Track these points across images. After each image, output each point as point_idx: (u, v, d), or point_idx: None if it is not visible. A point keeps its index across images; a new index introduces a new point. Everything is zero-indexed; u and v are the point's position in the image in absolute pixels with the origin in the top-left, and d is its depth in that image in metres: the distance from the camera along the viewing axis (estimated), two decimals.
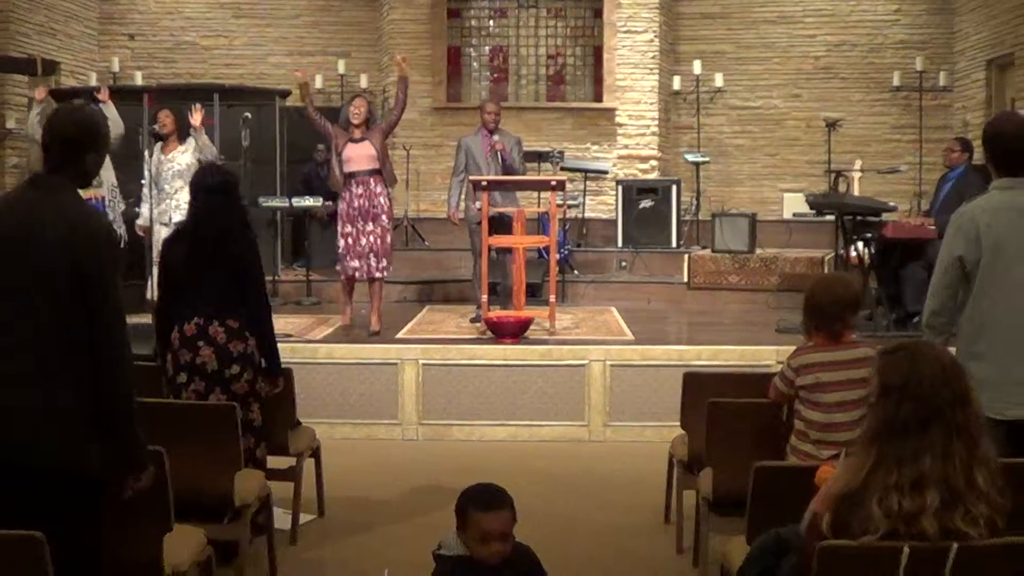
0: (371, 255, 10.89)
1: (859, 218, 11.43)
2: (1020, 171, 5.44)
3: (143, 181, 11.44)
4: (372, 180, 10.86)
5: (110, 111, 11.16)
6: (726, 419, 6.05)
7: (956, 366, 3.80)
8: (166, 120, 11.21)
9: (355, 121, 10.87)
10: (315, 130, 11.45)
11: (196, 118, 11.22)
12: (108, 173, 11.28)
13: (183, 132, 11.30)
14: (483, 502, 4.22)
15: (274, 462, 7.06)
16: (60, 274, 4.15)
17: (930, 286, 5.63)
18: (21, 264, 4.18)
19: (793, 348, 5.98)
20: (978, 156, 9.52)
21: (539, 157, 15.12)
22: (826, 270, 13.45)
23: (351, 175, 10.87)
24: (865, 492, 3.63)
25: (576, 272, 14.57)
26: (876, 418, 3.74)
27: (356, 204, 10.86)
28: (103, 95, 11.44)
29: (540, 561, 4.35)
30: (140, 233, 11.43)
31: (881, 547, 3.58)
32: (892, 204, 12.17)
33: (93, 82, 17.01)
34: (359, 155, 10.85)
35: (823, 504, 3.78)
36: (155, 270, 10.86)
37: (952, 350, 5.47)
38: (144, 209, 11.30)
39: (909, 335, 9.51)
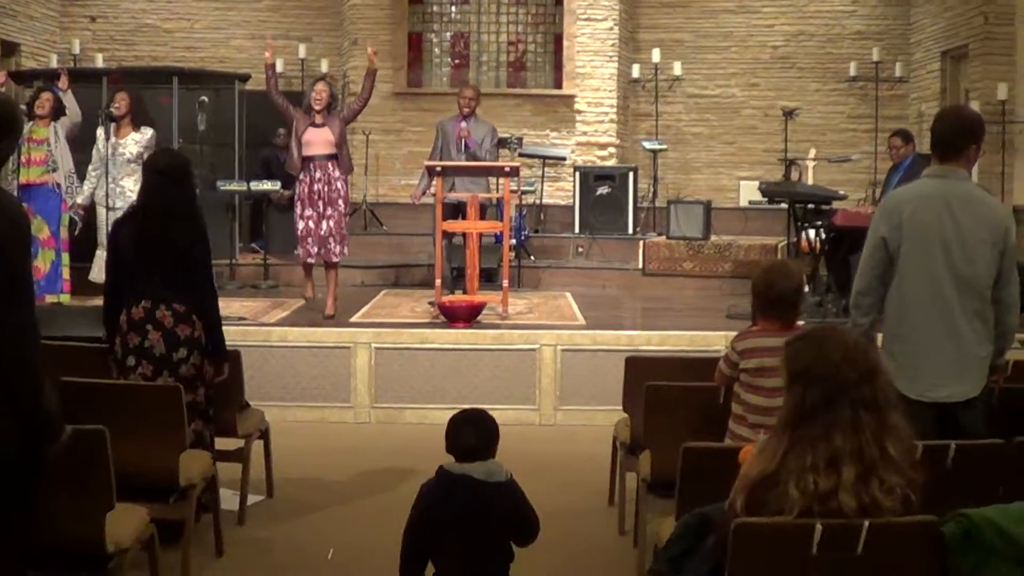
0: (330, 239, 10.99)
1: (810, 206, 11.58)
2: (949, 158, 5.56)
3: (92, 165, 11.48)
4: (330, 165, 10.94)
5: (68, 100, 11.22)
6: (664, 402, 6.15)
7: (860, 346, 3.90)
8: (121, 103, 11.14)
9: (316, 107, 10.94)
10: (277, 112, 11.46)
11: (63, 82, 11.42)
12: (66, 159, 11.31)
13: (138, 117, 11.25)
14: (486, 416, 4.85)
15: (223, 444, 7.13)
16: None
17: (858, 267, 5.74)
18: None
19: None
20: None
21: (499, 143, 15.22)
22: (779, 256, 13.59)
23: (310, 159, 10.93)
24: (780, 475, 3.75)
25: (533, 258, 14.68)
26: (787, 405, 3.88)
27: (315, 188, 10.94)
28: (63, 83, 11.46)
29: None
30: (80, 212, 11.39)
31: (795, 524, 3.69)
32: (842, 192, 12.29)
33: (54, 63, 17.03)
34: (318, 140, 10.92)
35: (737, 491, 3.90)
36: (99, 252, 10.97)
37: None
38: (86, 187, 11.29)
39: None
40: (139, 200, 6.99)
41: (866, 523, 3.67)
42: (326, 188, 10.94)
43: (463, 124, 12.12)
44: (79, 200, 11.29)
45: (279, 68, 16.85)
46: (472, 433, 4.75)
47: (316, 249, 11.02)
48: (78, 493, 4.75)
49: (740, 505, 3.82)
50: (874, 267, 5.59)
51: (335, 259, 11.11)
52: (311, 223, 10.99)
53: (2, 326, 4.18)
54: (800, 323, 5.94)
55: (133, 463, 5.23)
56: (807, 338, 3.97)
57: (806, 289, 6.14)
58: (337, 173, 10.98)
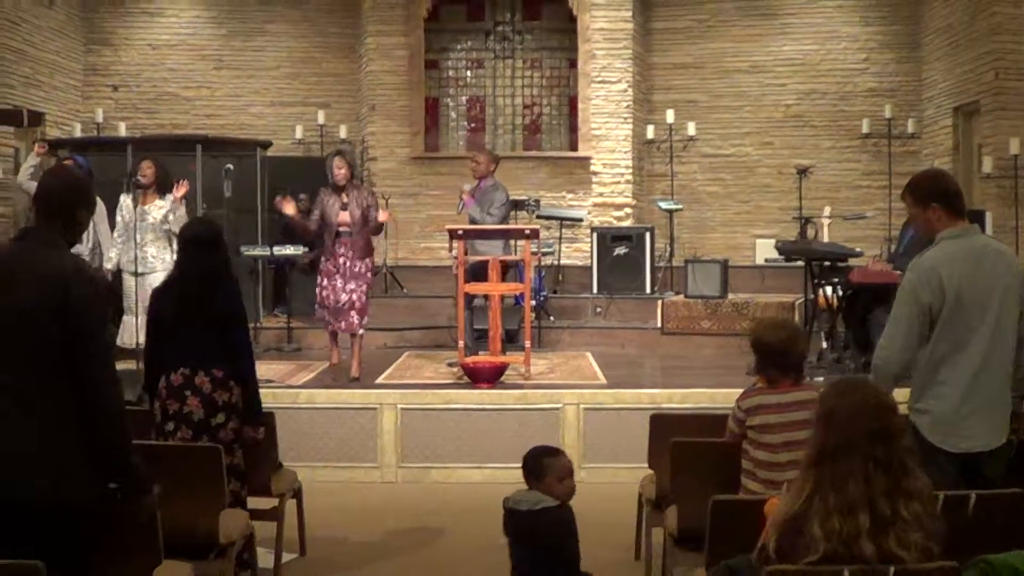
0: (352, 312, 11.06)
1: (827, 264, 11.70)
2: (962, 215, 5.75)
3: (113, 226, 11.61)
4: (355, 240, 11.02)
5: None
6: (690, 458, 6.28)
7: (884, 407, 4.05)
8: (147, 171, 11.10)
9: (339, 183, 11.04)
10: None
11: (180, 191, 11.26)
12: (102, 227, 11.50)
13: (163, 185, 11.19)
14: (550, 451, 5.64)
15: (257, 503, 7.27)
16: (43, 319, 4.42)
17: (892, 334, 5.75)
18: (4, 309, 4.45)
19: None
20: None
21: (516, 205, 15.36)
22: (796, 315, 13.72)
23: (337, 234, 11.02)
24: (806, 514, 3.90)
25: (552, 318, 14.82)
26: (811, 443, 4.06)
27: (338, 263, 11.04)
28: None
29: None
30: (108, 278, 11.46)
31: (824, 571, 3.83)
32: (858, 250, 12.40)
33: (77, 132, 17.33)
34: (345, 217, 11.01)
35: (769, 529, 4.05)
36: (125, 318, 11.08)
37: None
38: (112, 254, 11.34)
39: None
40: (176, 269, 7.18)
41: (891, 569, 3.81)
42: (349, 263, 11.03)
43: (466, 187, 12.42)
44: (107, 266, 11.40)
45: (298, 135, 17.27)
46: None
47: (334, 319, 11.14)
48: (128, 549, 4.89)
49: (772, 546, 3.97)
50: (918, 334, 5.65)
51: (356, 331, 11.19)
52: (329, 295, 11.08)
53: (93, 385, 4.46)
54: (818, 379, 6.07)
55: (175, 521, 5.35)
56: (840, 384, 4.16)
57: (816, 344, 6.23)
58: (362, 247, 11.08)
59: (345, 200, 11.03)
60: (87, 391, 4.46)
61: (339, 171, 11.05)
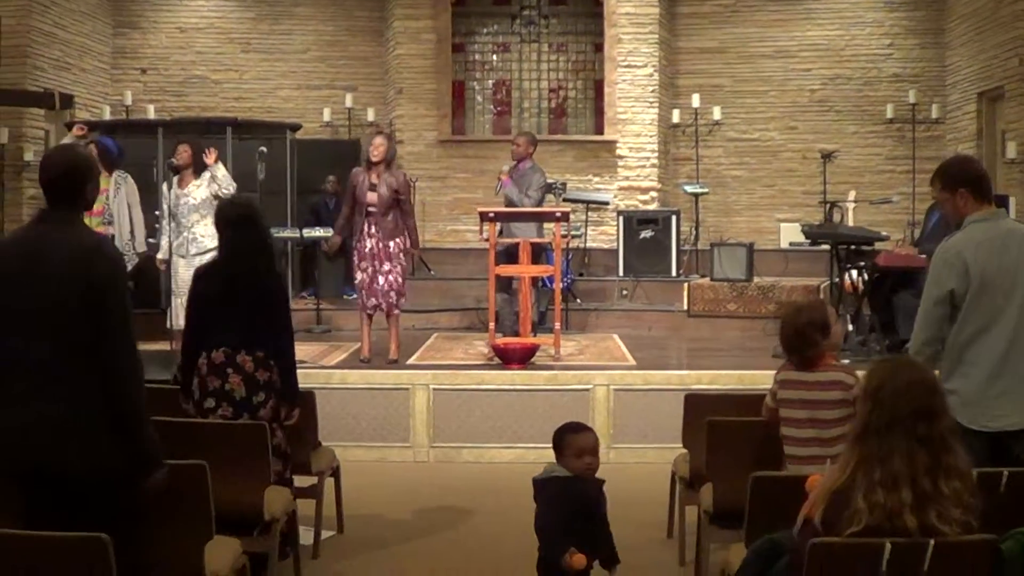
0: (390, 293, 11.06)
1: (853, 247, 11.75)
2: (989, 200, 5.86)
3: (157, 212, 11.73)
4: (386, 220, 10.92)
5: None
6: (725, 437, 6.37)
7: (926, 384, 4.16)
8: (184, 153, 11.25)
9: (374, 158, 10.94)
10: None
11: (211, 156, 11.34)
12: (122, 214, 11.66)
13: (198, 166, 11.37)
14: (573, 428, 5.73)
15: (296, 481, 7.36)
16: (71, 296, 4.57)
17: (919, 318, 5.89)
18: (33, 291, 4.59)
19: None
20: None
21: (545, 189, 15.44)
22: (822, 297, 13.80)
23: (368, 214, 10.97)
24: (851, 487, 4.03)
25: (579, 300, 14.94)
26: (857, 418, 4.19)
27: (369, 243, 10.99)
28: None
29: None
30: (160, 267, 11.63)
31: (866, 543, 3.95)
32: (884, 234, 12.44)
33: (107, 115, 17.47)
34: (375, 196, 10.92)
35: (815, 500, 4.17)
36: (174, 300, 11.18)
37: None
38: (163, 241, 11.50)
39: None
40: (219, 252, 7.27)
41: (931, 542, 3.93)
42: (381, 244, 10.97)
43: (504, 167, 12.50)
44: (159, 256, 11.52)
45: (326, 117, 17.41)
46: None
47: (375, 302, 11.09)
48: (180, 525, 5.02)
49: (819, 516, 4.09)
50: (941, 318, 5.77)
51: (395, 312, 11.20)
52: (366, 278, 11.05)
53: (112, 358, 4.62)
54: (844, 361, 6.13)
55: (221, 497, 5.45)
56: (888, 362, 4.29)
57: (839, 326, 6.30)
58: (393, 227, 10.98)
59: (374, 180, 10.99)
60: (107, 363, 4.60)
61: (378, 148, 10.98)
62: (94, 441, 4.59)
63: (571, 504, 5.49)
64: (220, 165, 11.31)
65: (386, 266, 11.03)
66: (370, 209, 10.97)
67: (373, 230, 10.99)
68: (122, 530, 4.47)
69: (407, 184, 11.48)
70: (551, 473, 5.58)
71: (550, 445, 5.75)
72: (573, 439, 5.61)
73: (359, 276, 11.15)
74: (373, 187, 10.98)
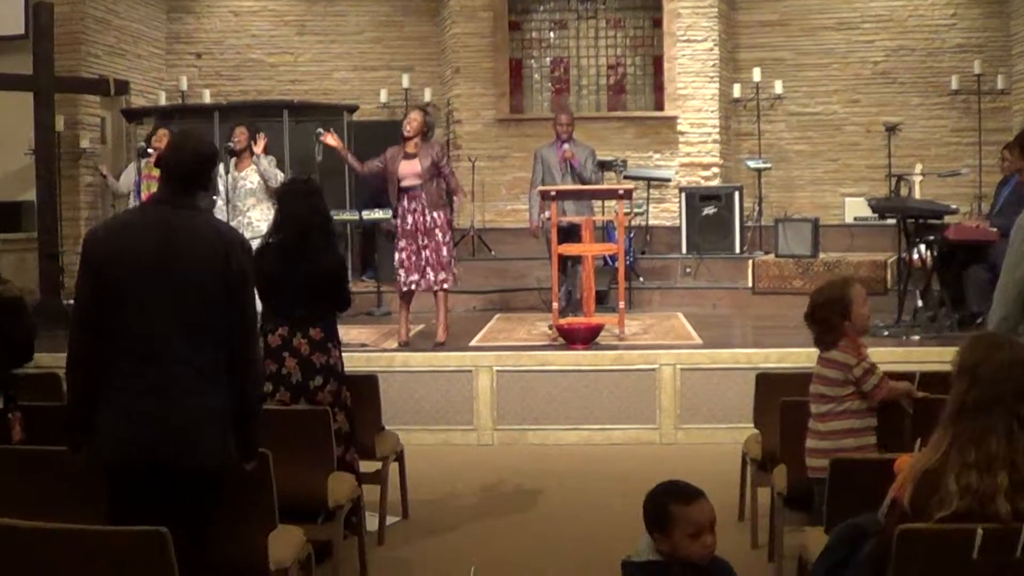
0: (428, 269, 10.74)
1: (921, 221, 11.54)
2: None
3: (215, 197, 11.67)
4: (424, 194, 10.62)
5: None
6: (799, 418, 6.21)
7: None
8: (241, 136, 11.31)
9: (407, 134, 10.65)
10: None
11: (259, 145, 11.30)
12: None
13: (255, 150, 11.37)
14: (684, 495, 3.97)
15: (361, 466, 7.30)
16: (208, 285, 4.58)
17: (998, 294, 5.61)
18: (171, 278, 4.57)
19: None
20: None
21: (602, 166, 15.25)
22: (888, 273, 13.61)
23: (405, 190, 10.69)
24: (944, 468, 3.86)
25: (641, 279, 14.79)
26: (952, 397, 4.00)
27: (409, 220, 10.71)
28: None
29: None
30: None
31: (957, 529, 3.79)
32: (954, 207, 12.23)
33: (162, 100, 17.43)
34: (410, 171, 10.63)
35: (904, 480, 4.00)
36: None
37: None
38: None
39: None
40: (273, 227, 7.17)
41: None
42: (420, 218, 10.67)
43: (565, 147, 12.27)
44: None
45: (383, 99, 17.26)
46: None
47: (416, 278, 10.78)
48: (243, 514, 4.92)
49: (908, 497, 3.92)
50: (1022, 295, 5.47)
51: (437, 288, 10.86)
52: (405, 254, 10.78)
53: (245, 354, 4.73)
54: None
55: (284, 485, 5.37)
56: (983, 338, 4.10)
57: (867, 309, 6.22)
58: (432, 201, 10.67)
59: (411, 151, 10.65)
60: (239, 357, 4.64)
61: (412, 122, 10.68)
62: (223, 435, 4.62)
63: None
64: (263, 157, 11.24)
65: (425, 240, 10.72)
66: (405, 184, 10.68)
67: (413, 205, 10.70)
68: (199, 523, 4.53)
69: (443, 152, 11.08)
70: (648, 557, 3.96)
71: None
72: (684, 513, 3.89)
73: (397, 256, 10.84)
74: (409, 156, 10.65)
